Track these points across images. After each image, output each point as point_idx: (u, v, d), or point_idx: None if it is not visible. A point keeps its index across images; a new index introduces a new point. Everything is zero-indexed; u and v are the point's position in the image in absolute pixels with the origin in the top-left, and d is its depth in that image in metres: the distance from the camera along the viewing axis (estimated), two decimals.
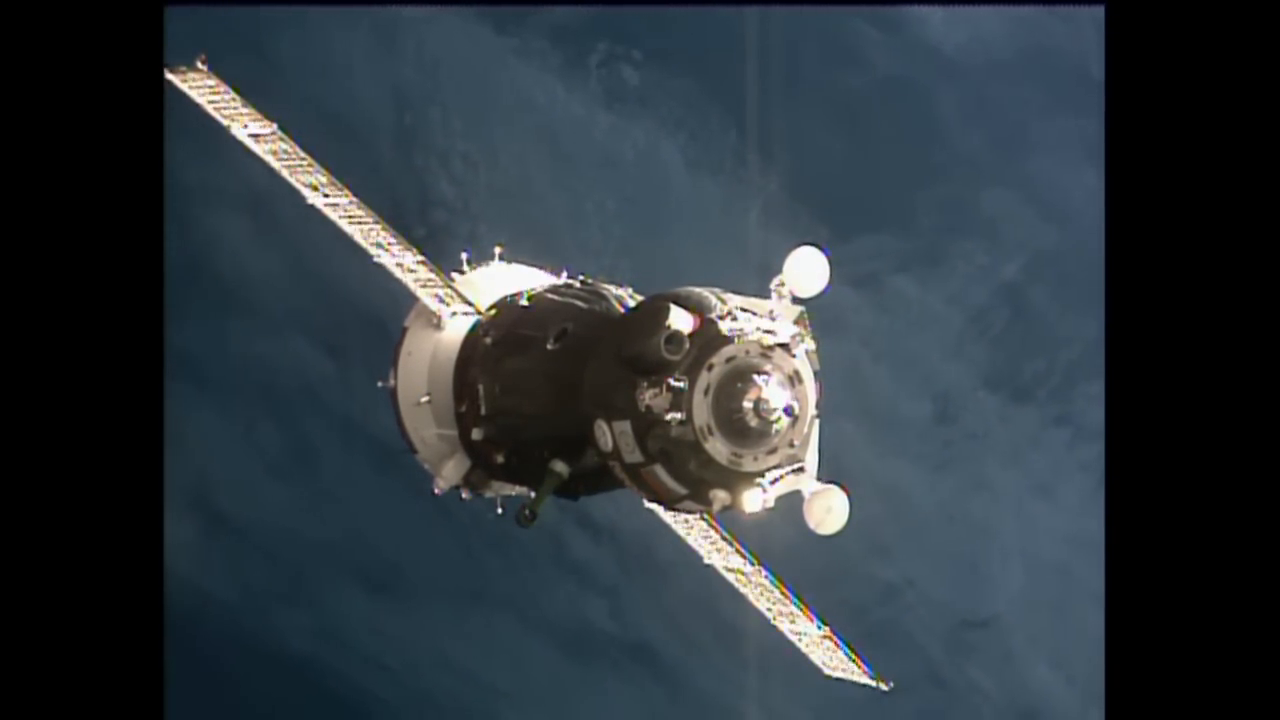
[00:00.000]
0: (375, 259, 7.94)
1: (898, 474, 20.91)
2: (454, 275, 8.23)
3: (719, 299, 6.56)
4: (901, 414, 21.12)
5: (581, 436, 6.81)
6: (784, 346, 6.44)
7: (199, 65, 8.15)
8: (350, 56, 18.76)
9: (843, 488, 6.44)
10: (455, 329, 8.00)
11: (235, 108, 8.12)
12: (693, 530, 7.95)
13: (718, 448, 6.38)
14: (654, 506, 7.43)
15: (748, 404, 6.34)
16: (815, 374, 6.51)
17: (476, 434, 7.68)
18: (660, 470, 6.52)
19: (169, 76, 8.09)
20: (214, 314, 17.94)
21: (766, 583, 7.83)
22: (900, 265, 21.17)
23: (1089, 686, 19.71)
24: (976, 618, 21.28)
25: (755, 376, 6.37)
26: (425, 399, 7.97)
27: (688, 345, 6.39)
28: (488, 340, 7.74)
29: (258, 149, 8.05)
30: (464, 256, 8.38)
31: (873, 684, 7.81)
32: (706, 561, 7.94)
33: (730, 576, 7.92)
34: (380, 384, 8.20)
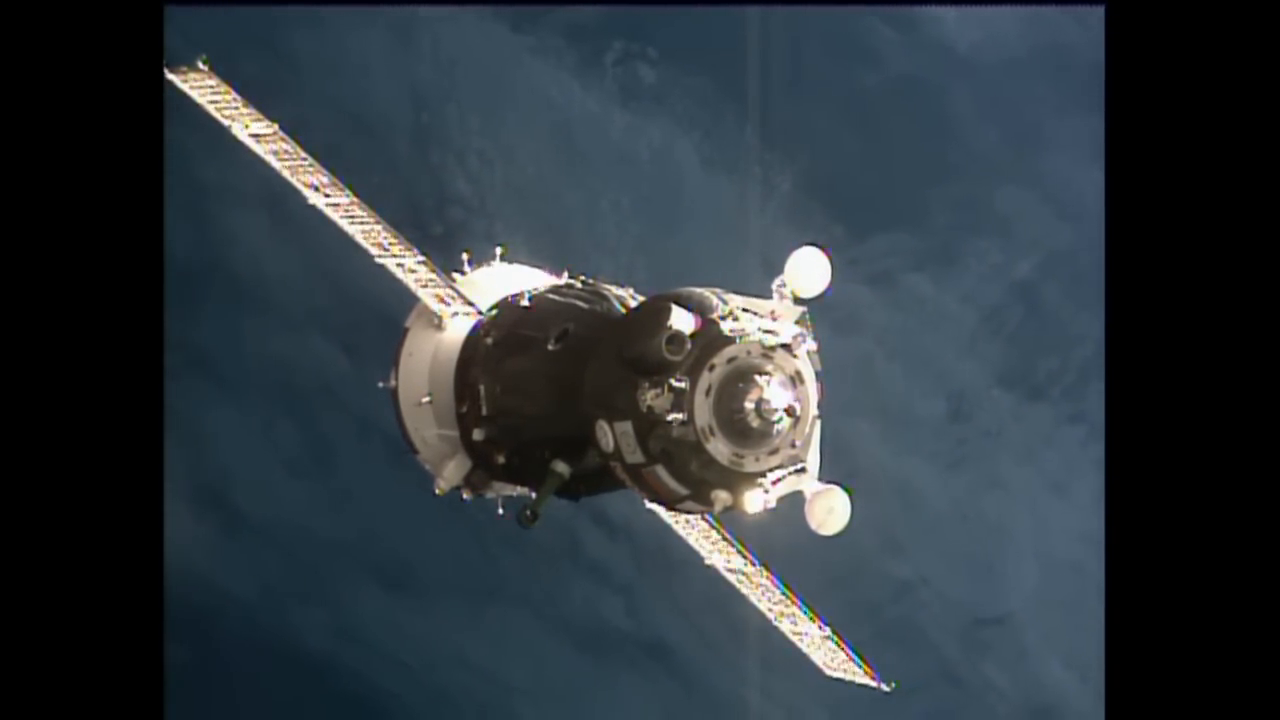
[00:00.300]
0: (376, 259, 7.93)
1: (912, 472, 20.93)
2: (455, 276, 8.21)
3: (720, 299, 6.55)
4: (916, 412, 21.13)
5: (583, 437, 6.80)
6: (786, 347, 6.42)
7: (200, 65, 8.11)
8: (367, 55, 18.77)
9: (845, 488, 6.42)
10: (456, 329, 7.97)
11: (236, 108, 8.08)
12: (694, 531, 7.94)
13: (719, 448, 6.37)
14: (655, 507, 7.42)
15: (749, 404, 6.33)
16: (817, 374, 6.49)
17: (478, 434, 7.66)
18: (662, 471, 6.51)
19: (169, 77, 8.07)
20: (232, 312, 17.98)
21: (768, 583, 7.83)
22: (914, 263, 21.18)
23: (1103, 684, 19.72)
24: (990, 615, 21.29)
25: (757, 377, 6.35)
26: (426, 399, 7.94)
27: (689, 346, 6.38)
28: (489, 341, 7.72)
29: (259, 149, 8.02)
30: (464, 257, 8.36)
31: (874, 685, 7.80)
32: (708, 562, 7.93)
33: (732, 577, 7.92)
34: (381, 384, 8.19)
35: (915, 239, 21.26)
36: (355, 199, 7.94)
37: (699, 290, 6.60)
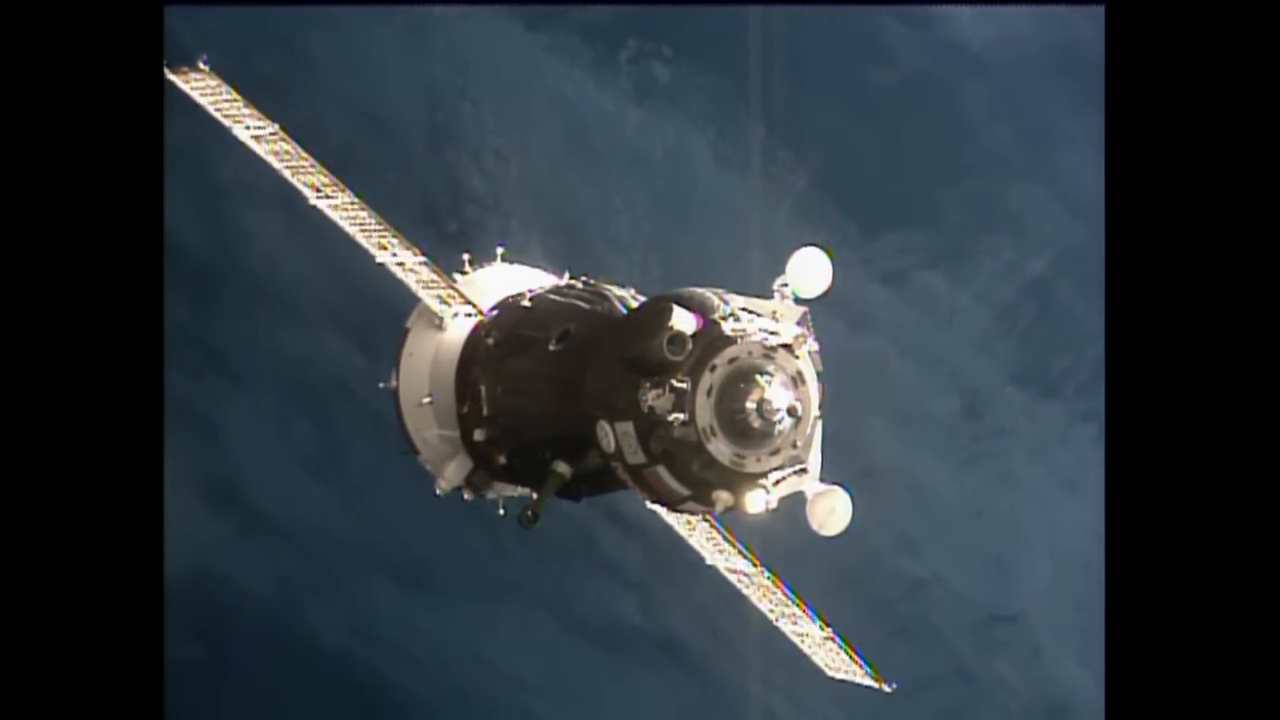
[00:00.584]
0: (377, 259, 7.96)
1: (925, 469, 20.94)
2: (456, 276, 8.24)
3: (721, 299, 6.57)
4: (929, 409, 21.13)
5: (584, 437, 6.82)
6: (787, 347, 6.44)
7: (200, 65, 8.16)
8: (383, 54, 18.78)
9: (847, 488, 6.47)
10: (457, 330, 8.00)
11: (237, 108, 8.12)
12: (696, 531, 7.96)
13: (720, 449, 6.39)
14: (657, 507, 7.42)
15: (750, 405, 6.35)
16: (818, 375, 6.51)
17: (478, 435, 7.70)
18: (663, 471, 6.54)
19: (170, 77, 8.11)
20: (248, 310, 18.00)
21: (769, 584, 7.84)
22: (928, 261, 21.17)
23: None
24: (1004, 613, 21.31)
25: (758, 377, 6.37)
26: (427, 400, 7.97)
27: (690, 346, 6.39)
28: (490, 341, 7.75)
29: (259, 149, 8.06)
30: (465, 257, 8.38)
31: (875, 685, 7.81)
32: (709, 562, 7.95)
33: (732, 578, 7.93)
34: (382, 385, 8.24)
35: (928, 237, 21.26)
36: (356, 199, 7.99)
37: (700, 290, 6.63)
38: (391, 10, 18.62)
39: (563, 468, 7.27)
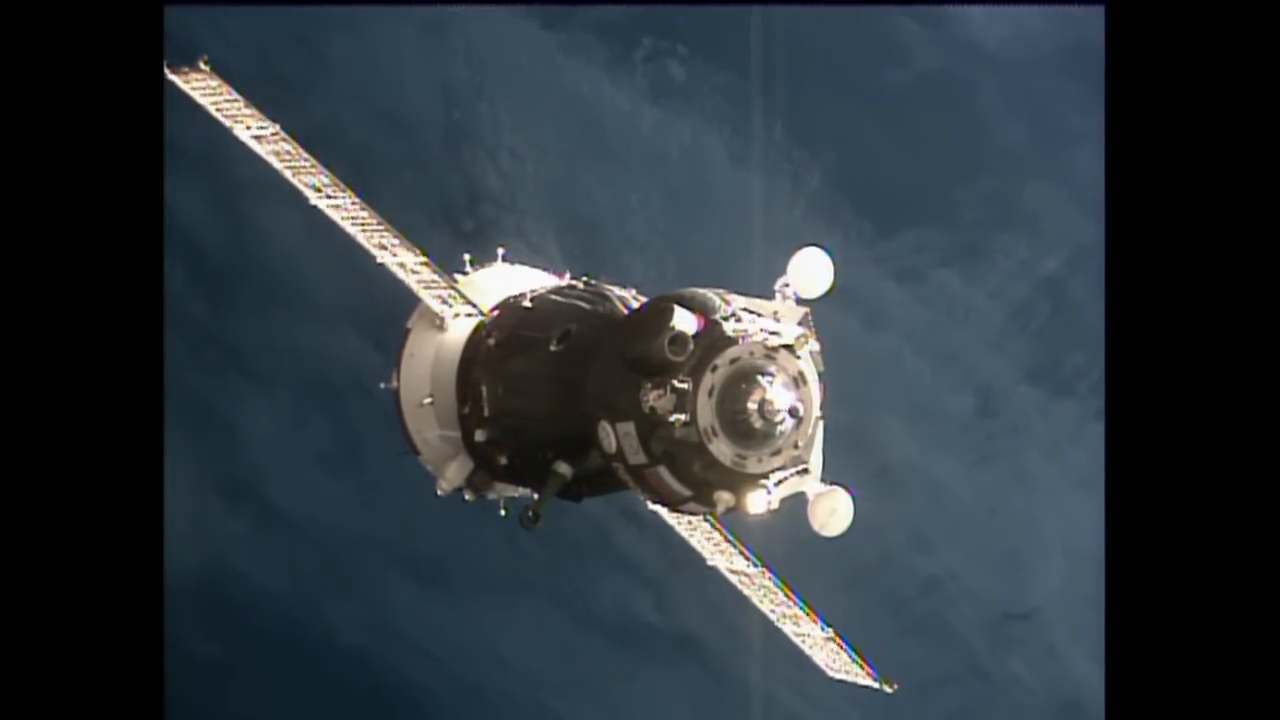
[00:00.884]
0: (378, 260, 7.92)
1: (940, 467, 20.97)
2: (457, 276, 8.18)
3: (723, 300, 6.52)
4: (943, 407, 21.15)
5: (585, 438, 6.77)
6: (788, 348, 6.39)
7: (201, 66, 8.10)
8: (400, 53, 18.82)
9: (846, 489, 6.42)
10: (458, 330, 7.94)
11: (238, 109, 8.07)
12: (696, 532, 7.90)
13: (722, 449, 6.34)
14: (658, 508, 7.37)
15: (752, 405, 6.30)
16: (820, 375, 6.46)
17: (479, 435, 7.64)
18: (664, 472, 6.48)
19: (171, 77, 8.06)
20: (266, 309, 18.05)
21: (770, 584, 7.79)
22: (943, 259, 21.20)
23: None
24: (1018, 610, 21.34)
25: (759, 378, 6.32)
26: (428, 400, 7.92)
27: (692, 346, 6.35)
28: (491, 341, 7.69)
29: (260, 150, 8.00)
30: (466, 257, 8.34)
31: (876, 686, 7.75)
32: (710, 563, 7.90)
33: (734, 578, 7.88)
34: (383, 385, 8.17)
35: (943, 235, 21.28)
36: (356, 199, 7.93)
37: (702, 291, 6.59)
38: (409, 10, 18.66)
39: (564, 468, 7.22)
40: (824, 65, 20.47)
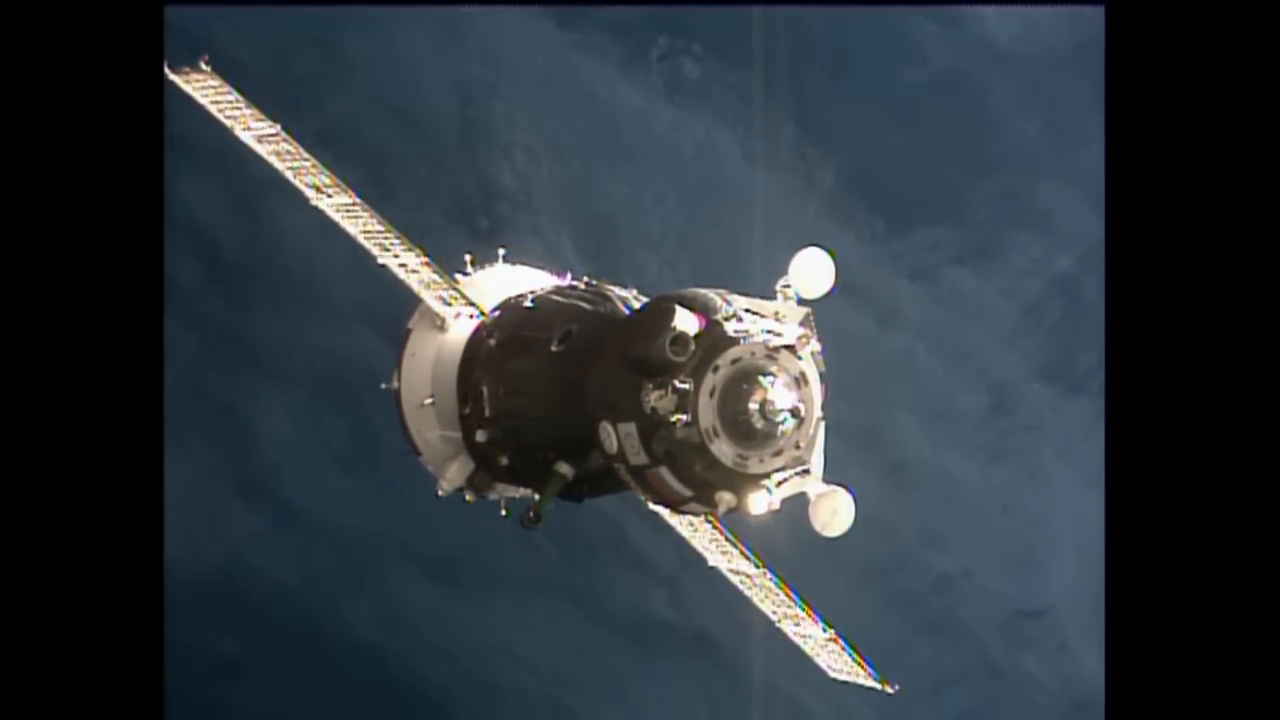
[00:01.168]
0: (379, 260, 7.89)
1: (953, 465, 20.99)
2: (458, 276, 8.14)
3: (724, 300, 6.51)
4: (957, 405, 21.17)
5: (586, 438, 6.76)
6: (790, 348, 6.39)
7: (202, 66, 8.02)
8: (415, 52, 18.86)
9: (848, 489, 6.43)
10: (459, 330, 7.91)
11: (239, 109, 8.00)
12: (698, 532, 7.87)
13: (723, 449, 6.32)
14: (659, 508, 7.34)
15: (753, 406, 6.29)
16: (821, 376, 6.46)
17: (480, 436, 7.60)
18: (665, 472, 6.46)
19: (171, 77, 8.00)
20: (282, 307, 18.11)
21: (772, 585, 7.77)
22: (956, 258, 21.21)
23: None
24: (1031, 608, 21.35)
25: (761, 378, 6.32)
26: (429, 401, 7.87)
27: (693, 347, 6.34)
28: (492, 342, 7.66)
29: (261, 150, 7.95)
30: (467, 258, 8.31)
31: (878, 687, 7.77)
32: (711, 564, 7.89)
33: (735, 579, 7.86)
34: (384, 386, 8.13)
35: (957, 233, 21.30)
36: (358, 200, 7.87)
37: (703, 291, 6.58)
38: (424, 9, 18.70)
39: (565, 469, 7.20)
40: (837, 64, 20.49)
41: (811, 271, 6.50)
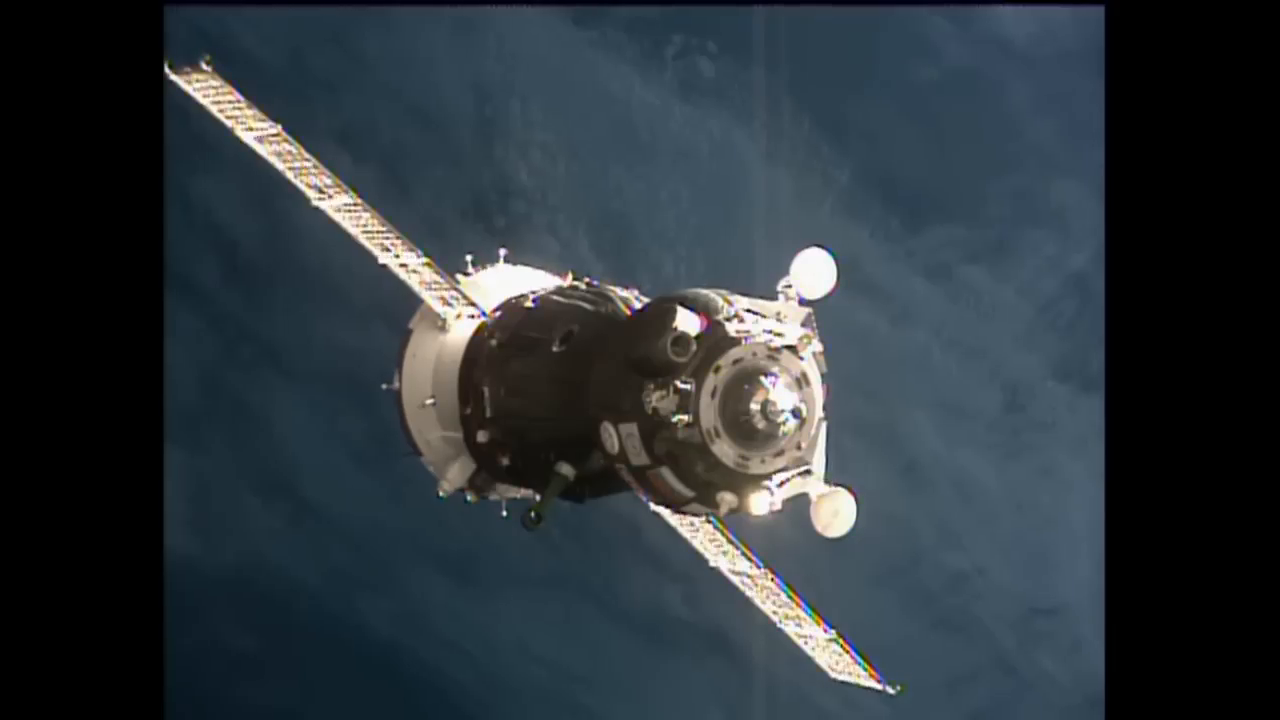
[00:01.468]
0: (380, 261, 7.93)
1: (967, 463, 20.98)
2: (459, 277, 8.17)
3: (726, 300, 6.53)
4: (971, 403, 21.16)
5: (587, 439, 6.78)
6: (791, 349, 6.41)
7: (203, 65, 8.03)
8: (432, 50, 18.89)
9: (849, 490, 6.45)
10: (460, 331, 7.94)
11: (239, 109, 8.02)
12: (699, 533, 7.89)
13: (725, 450, 6.34)
14: (660, 509, 7.36)
15: (755, 406, 6.30)
16: (823, 376, 6.48)
17: (482, 436, 7.63)
18: (667, 473, 6.49)
19: (172, 77, 8.01)
20: (300, 305, 18.14)
21: (772, 585, 7.80)
22: (970, 255, 21.19)
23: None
24: (1045, 606, 21.32)
25: (762, 378, 6.33)
26: (430, 401, 7.92)
27: (694, 347, 6.36)
28: (493, 342, 7.67)
29: (262, 150, 7.96)
30: (468, 258, 8.33)
31: (880, 688, 7.79)
32: (712, 565, 7.92)
33: (736, 579, 7.88)
34: (385, 386, 8.18)
35: (971, 231, 21.29)
36: (358, 200, 7.92)
37: (705, 291, 6.60)
38: (441, 8, 18.72)
39: (566, 469, 7.20)
40: (853, 62, 20.49)
41: (813, 272, 6.52)
